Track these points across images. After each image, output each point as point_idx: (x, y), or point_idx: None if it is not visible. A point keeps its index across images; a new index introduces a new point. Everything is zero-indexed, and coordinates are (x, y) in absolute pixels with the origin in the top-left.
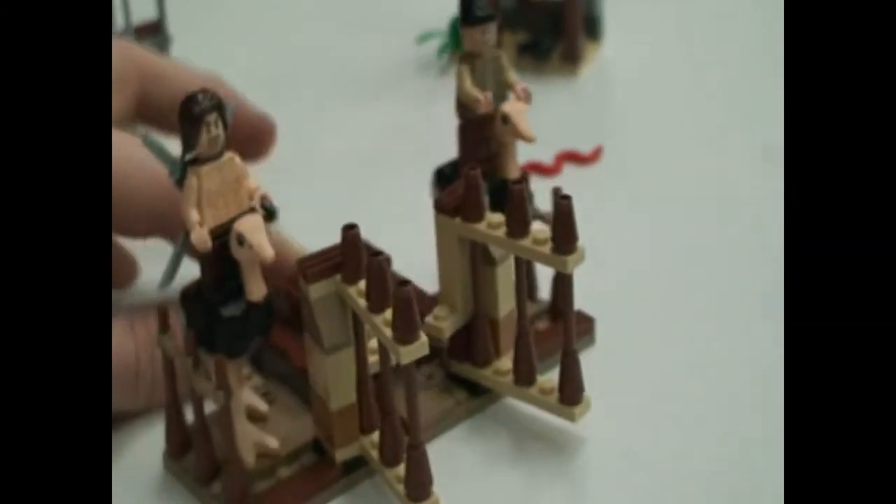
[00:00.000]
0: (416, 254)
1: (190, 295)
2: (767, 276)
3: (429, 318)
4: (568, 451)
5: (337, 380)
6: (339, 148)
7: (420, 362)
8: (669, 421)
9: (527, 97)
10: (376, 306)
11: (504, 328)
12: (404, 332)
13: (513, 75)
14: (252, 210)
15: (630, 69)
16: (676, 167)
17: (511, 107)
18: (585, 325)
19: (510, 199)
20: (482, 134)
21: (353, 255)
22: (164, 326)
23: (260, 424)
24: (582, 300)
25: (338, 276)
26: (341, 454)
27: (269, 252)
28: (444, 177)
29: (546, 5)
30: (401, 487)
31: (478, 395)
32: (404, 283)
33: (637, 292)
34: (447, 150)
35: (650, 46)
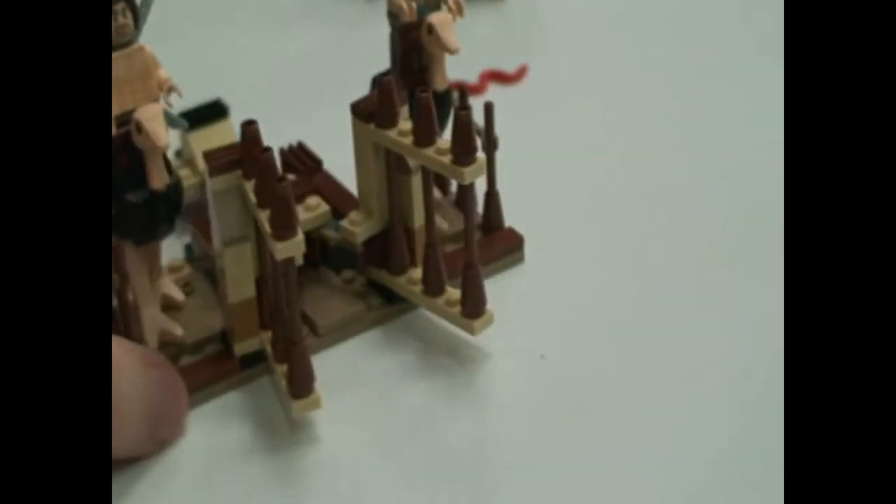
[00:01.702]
0: (343, 167)
1: None
2: (697, 191)
3: (343, 222)
4: (474, 363)
5: (235, 273)
6: (267, 71)
7: (342, 266)
8: (584, 338)
9: (458, 9)
10: (262, 202)
11: (420, 238)
12: (280, 228)
13: None
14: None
15: None
16: (600, 87)
17: (437, 17)
18: (514, 243)
19: (417, 108)
20: (412, 44)
21: (251, 151)
22: None
23: (174, 313)
24: (512, 218)
25: (239, 171)
26: (240, 348)
27: (163, 140)
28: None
29: None
30: (284, 383)
31: (393, 303)
32: (282, 178)
33: (565, 211)
34: (375, 72)
35: None
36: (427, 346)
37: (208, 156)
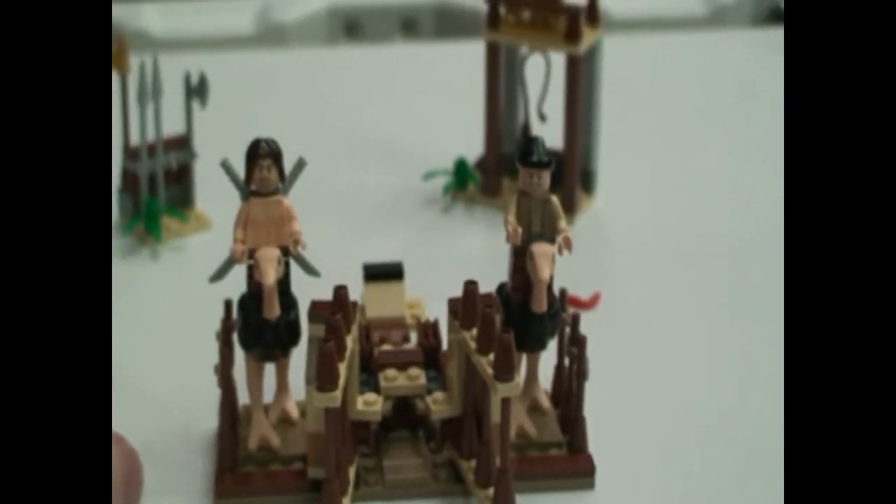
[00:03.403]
0: None
1: (240, 299)
2: (768, 415)
3: (428, 399)
4: None
5: (312, 408)
6: (347, 273)
7: (429, 435)
8: None
9: (567, 246)
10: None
11: (494, 431)
12: (321, 380)
13: (563, 223)
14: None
15: (619, 221)
16: (669, 315)
17: (538, 247)
18: (586, 468)
19: (482, 321)
20: (520, 264)
21: (336, 310)
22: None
23: (285, 426)
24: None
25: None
26: (312, 472)
27: (268, 279)
28: (499, 292)
29: None
30: None
31: (459, 483)
32: (327, 339)
33: (641, 439)
34: (448, 280)
35: (636, 201)
36: None
37: (314, 304)
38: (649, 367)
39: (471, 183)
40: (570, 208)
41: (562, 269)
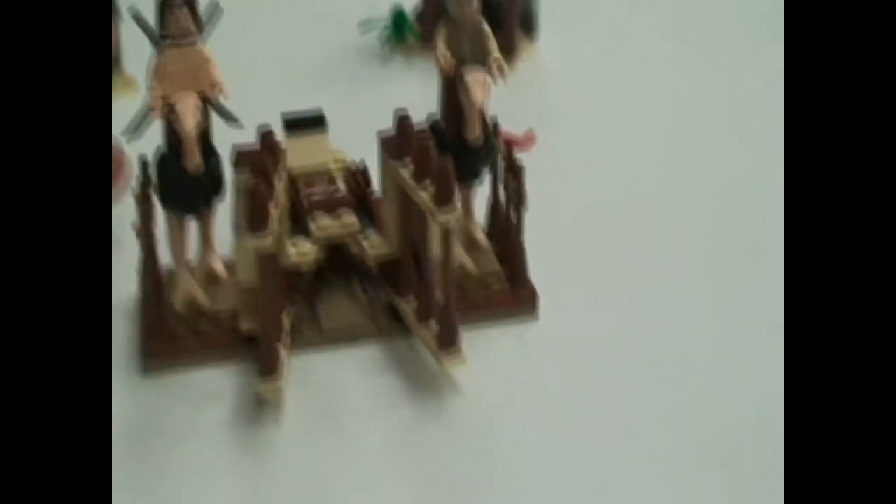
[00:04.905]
0: None
1: (157, 154)
2: (700, 250)
3: (364, 242)
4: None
5: (242, 258)
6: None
7: (365, 281)
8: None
9: (500, 71)
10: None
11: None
12: (253, 222)
13: (493, 46)
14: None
15: (562, 70)
16: (603, 155)
17: (471, 74)
18: (528, 296)
19: (418, 148)
20: (452, 95)
21: (265, 155)
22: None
23: (215, 286)
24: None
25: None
26: (244, 324)
27: (187, 125)
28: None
29: None
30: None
31: (399, 322)
32: (256, 181)
33: (580, 272)
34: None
35: (582, 51)
36: (409, 372)
37: (239, 151)
38: (584, 203)
39: (410, 34)
40: (509, 51)
41: (499, 111)
